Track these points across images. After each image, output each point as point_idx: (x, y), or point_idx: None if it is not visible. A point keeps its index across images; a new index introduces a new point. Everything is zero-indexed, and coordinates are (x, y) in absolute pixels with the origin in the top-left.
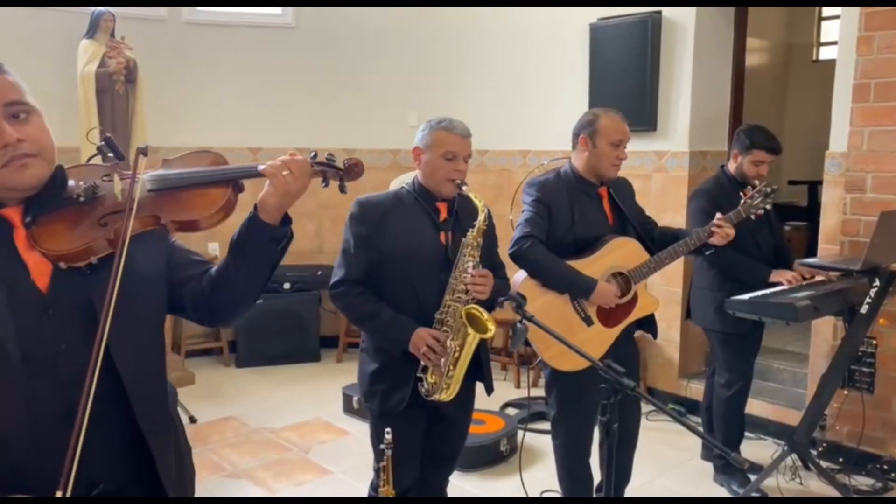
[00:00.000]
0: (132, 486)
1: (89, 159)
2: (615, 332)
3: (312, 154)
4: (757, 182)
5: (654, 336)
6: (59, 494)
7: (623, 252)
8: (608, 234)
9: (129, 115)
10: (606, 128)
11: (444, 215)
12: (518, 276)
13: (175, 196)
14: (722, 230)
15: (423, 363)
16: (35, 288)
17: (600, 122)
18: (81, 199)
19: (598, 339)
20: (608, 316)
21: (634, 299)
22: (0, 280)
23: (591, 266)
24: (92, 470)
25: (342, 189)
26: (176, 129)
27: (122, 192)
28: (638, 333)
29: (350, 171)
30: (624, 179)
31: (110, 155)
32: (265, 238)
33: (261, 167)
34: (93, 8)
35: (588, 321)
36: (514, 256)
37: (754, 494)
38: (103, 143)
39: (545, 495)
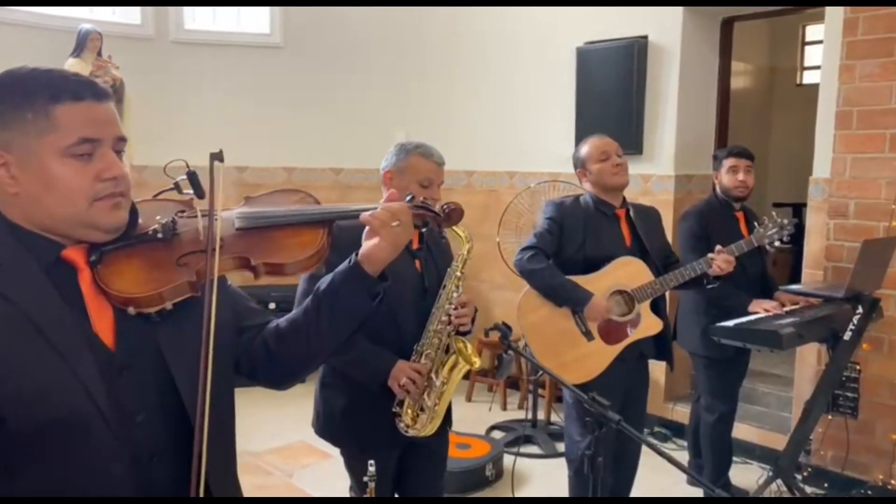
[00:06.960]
0: None
1: (158, 194)
2: (616, 349)
3: (409, 197)
4: (741, 194)
5: (671, 366)
6: None
7: (627, 271)
8: (622, 255)
9: None
10: (587, 154)
11: (416, 244)
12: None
13: (266, 236)
14: (717, 262)
15: (399, 397)
16: (100, 343)
17: (581, 153)
18: (159, 234)
19: (599, 355)
20: (610, 333)
21: (638, 319)
22: (81, 340)
23: (593, 283)
24: None
25: (441, 234)
26: (162, 148)
27: (204, 230)
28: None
29: (449, 217)
30: (652, 209)
31: (187, 191)
32: (363, 291)
33: (364, 214)
34: (80, 26)
35: (588, 335)
36: (516, 265)
37: None
38: (185, 177)
39: None
